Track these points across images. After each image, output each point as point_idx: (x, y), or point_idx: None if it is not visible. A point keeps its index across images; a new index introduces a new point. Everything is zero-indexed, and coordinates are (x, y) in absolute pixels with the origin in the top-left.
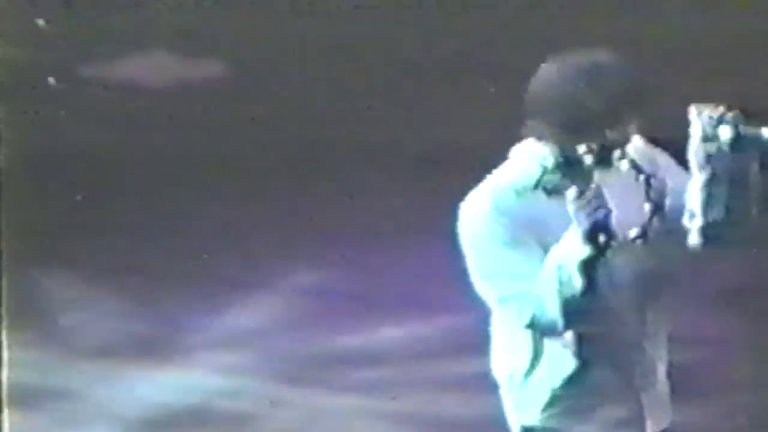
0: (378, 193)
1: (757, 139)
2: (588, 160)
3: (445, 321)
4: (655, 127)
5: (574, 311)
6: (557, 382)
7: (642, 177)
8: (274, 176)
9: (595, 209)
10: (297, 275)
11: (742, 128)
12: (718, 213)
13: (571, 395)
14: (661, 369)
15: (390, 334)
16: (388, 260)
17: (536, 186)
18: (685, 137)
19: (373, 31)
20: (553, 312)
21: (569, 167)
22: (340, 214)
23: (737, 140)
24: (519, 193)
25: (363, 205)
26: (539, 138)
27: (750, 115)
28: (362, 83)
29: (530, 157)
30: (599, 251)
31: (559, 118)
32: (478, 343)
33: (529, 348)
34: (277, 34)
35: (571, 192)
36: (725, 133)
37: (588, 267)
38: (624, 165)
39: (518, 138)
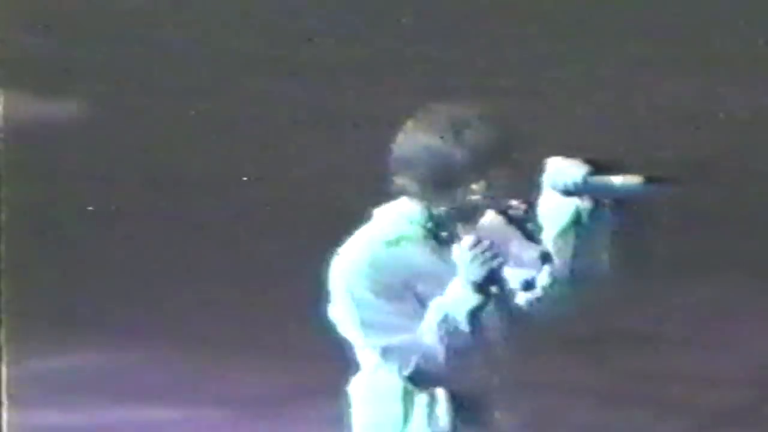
0: (239, 240)
1: (607, 187)
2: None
3: (305, 367)
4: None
5: (459, 359)
6: None
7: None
8: (130, 218)
9: (491, 258)
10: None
11: (590, 178)
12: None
13: None
14: None
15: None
16: (247, 306)
17: (401, 240)
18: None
19: (238, 74)
20: (438, 361)
21: (436, 224)
22: (196, 255)
23: (585, 188)
24: (390, 245)
25: (223, 250)
26: (407, 194)
27: (602, 165)
28: (224, 128)
29: (398, 214)
30: (487, 300)
31: (425, 174)
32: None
33: (400, 411)
34: (134, 72)
35: (467, 241)
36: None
37: (474, 316)
38: (491, 216)
39: (385, 194)
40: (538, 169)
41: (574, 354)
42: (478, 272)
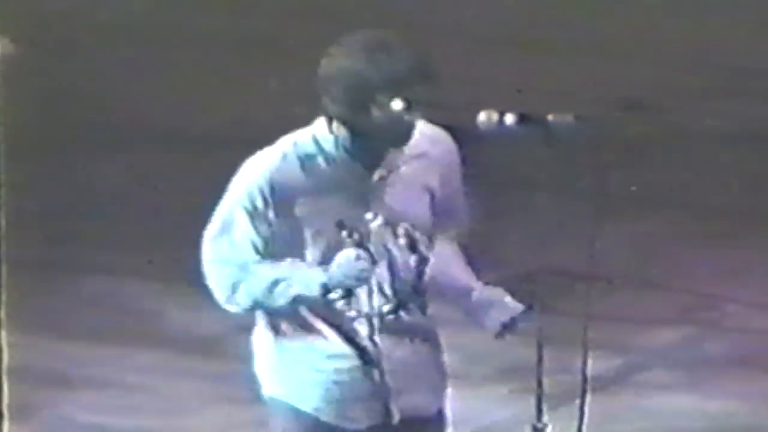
0: (166, 175)
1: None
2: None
3: None
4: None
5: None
6: None
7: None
8: (62, 156)
9: (360, 271)
10: None
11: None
12: None
13: None
14: None
15: None
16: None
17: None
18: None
19: (164, 11)
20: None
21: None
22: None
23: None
24: (284, 159)
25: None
26: (328, 115)
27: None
28: (151, 65)
29: (310, 133)
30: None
31: (341, 93)
32: None
33: None
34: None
35: (349, 253)
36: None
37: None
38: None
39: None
40: (459, 89)
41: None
42: (350, 281)
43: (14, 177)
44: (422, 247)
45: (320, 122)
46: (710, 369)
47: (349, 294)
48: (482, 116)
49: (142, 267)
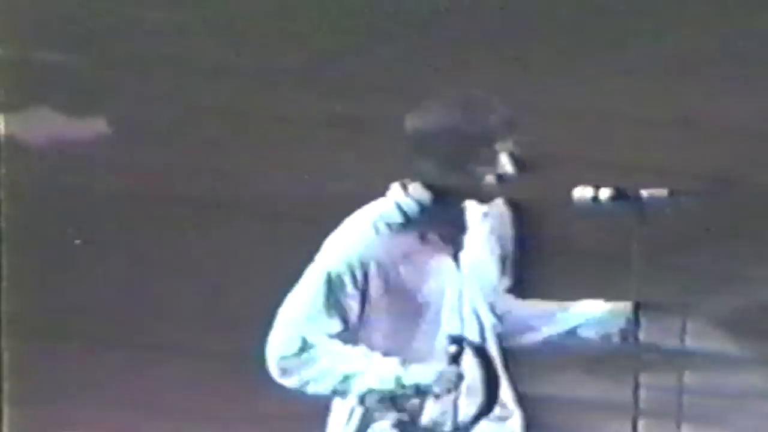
0: (253, 249)
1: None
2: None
3: None
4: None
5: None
6: None
7: None
8: (154, 231)
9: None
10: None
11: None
12: None
13: None
14: None
15: None
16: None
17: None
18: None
19: (241, 86)
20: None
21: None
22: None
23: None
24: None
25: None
26: (423, 177)
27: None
28: (240, 139)
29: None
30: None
31: (440, 149)
32: None
33: None
34: (155, 93)
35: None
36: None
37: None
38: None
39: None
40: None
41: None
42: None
43: None
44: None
45: (396, 188)
46: None
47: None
48: (577, 192)
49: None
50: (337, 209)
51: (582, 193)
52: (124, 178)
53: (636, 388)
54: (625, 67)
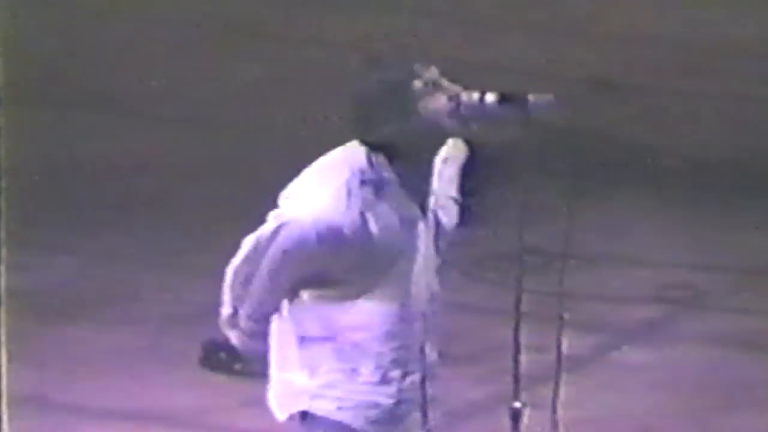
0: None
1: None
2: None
3: None
4: None
5: None
6: None
7: None
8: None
9: None
10: None
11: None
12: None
13: None
14: None
15: None
16: None
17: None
18: None
19: None
20: None
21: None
22: None
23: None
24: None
25: None
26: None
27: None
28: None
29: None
30: None
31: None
32: None
33: None
34: None
35: None
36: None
37: None
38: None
39: None
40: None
41: (481, 273)
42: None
43: None
44: None
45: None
46: (684, 347)
47: None
48: (463, 96)
49: None
50: None
51: (468, 96)
52: None
53: (518, 292)
54: None
